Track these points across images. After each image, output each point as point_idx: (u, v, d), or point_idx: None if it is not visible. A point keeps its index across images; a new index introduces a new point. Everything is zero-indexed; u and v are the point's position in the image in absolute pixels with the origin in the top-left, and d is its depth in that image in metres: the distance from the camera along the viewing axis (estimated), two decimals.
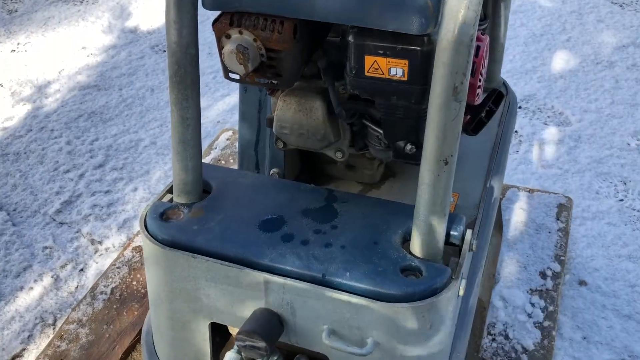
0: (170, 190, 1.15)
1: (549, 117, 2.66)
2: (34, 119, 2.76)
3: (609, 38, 3.14)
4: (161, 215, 1.09)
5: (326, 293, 0.98)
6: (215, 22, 1.03)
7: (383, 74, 0.99)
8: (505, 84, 1.72)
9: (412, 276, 0.98)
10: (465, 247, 1.05)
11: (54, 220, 2.27)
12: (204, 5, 1.00)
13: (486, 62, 1.20)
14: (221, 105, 2.80)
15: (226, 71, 1.05)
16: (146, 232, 1.08)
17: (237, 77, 1.05)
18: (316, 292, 0.98)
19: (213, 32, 1.03)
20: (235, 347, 1.07)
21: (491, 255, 1.80)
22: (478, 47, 1.14)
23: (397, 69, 0.99)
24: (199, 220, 1.09)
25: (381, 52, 0.97)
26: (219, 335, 1.16)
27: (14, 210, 2.32)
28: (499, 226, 1.86)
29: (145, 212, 1.11)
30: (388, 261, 1.00)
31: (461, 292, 1.03)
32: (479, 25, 1.38)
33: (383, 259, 1.00)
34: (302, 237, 1.05)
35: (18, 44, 3.33)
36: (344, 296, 0.97)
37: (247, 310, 1.04)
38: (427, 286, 0.97)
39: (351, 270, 0.99)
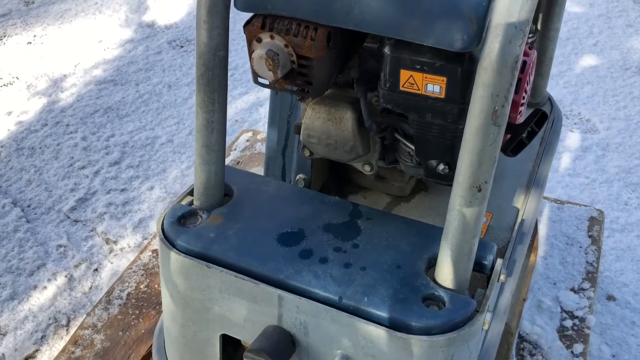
0: (190, 193, 1.12)
1: (575, 124, 2.59)
2: (50, 113, 2.73)
3: (639, 43, 3.06)
4: (179, 220, 1.07)
5: (342, 317, 0.94)
6: (246, 25, 0.98)
7: (419, 90, 0.94)
8: (550, 99, 1.65)
9: (434, 306, 0.94)
10: (494, 277, 1.00)
11: (69, 217, 2.24)
12: (235, 6, 0.96)
13: (532, 78, 1.14)
14: (240, 104, 2.76)
15: (255, 76, 1.00)
16: (162, 236, 1.06)
17: (266, 82, 1.00)
18: (331, 315, 0.95)
19: (242, 33, 0.98)
20: None
21: (522, 277, 1.75)
22: (524, 63, 1.09)
23: (434, 86, 0.93)
24: (216, 227, 1.06)
25: (418, 67, 0.92)
26: (232, 346, 1.12)
27: (28, 206, 2.28)
28: (534, 248, 1.81)
29: (163, 214, 1.08)
30: (410, 288, 0.95)
31: (485, 326, 0.97)
32: (528, 38, 1.33)
33: (405, 285, 0.96)
34: (322, 255, 1.01)
35: (34, 36, 3.30)
36: (361, 322, 0.93)
37: (259, 326, 1.01)
38: (448, 319, 0.92)
39: (370, 295, 0.94)
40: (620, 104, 2.68)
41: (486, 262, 1.01)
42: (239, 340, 1.13)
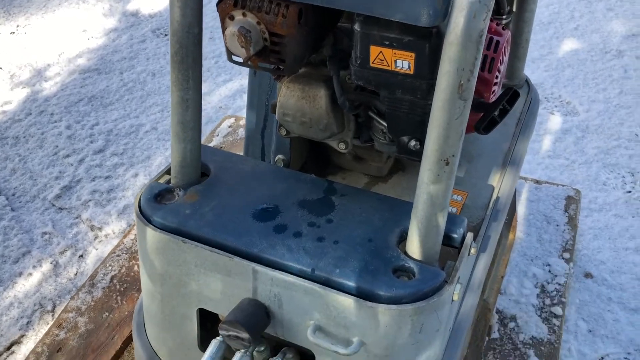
0: (168, 172, 1.14)
1: (556, 106, 2.62)
2: (34, 103, 2.73)
3: (618, 27, 3.10)
4: (156, 197, 1.08)
5: (314, 288, 0.96)
6: (219, 3, 0.99)
7: (388, 66, 0.96)
8: (528, 82, 1.67)
9: (404, 277, 0.95)
10: (464, 250, 1.02)
11: (54, 205, 2.25)
12: None
13: (505, 58, 1.16)
14: (223, 91, 2.77)
15: (229, 54, 1.02)
16: (139, 213, 1.07)
17: (240, 60, 1.02)
18: (304, 286, 0.96)
19: (216, 16, 0.99)
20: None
21: (500, 256, 1.77)
22: (497, 42, 1.10)
23: (403, 62, 0.95)
24: (192, 204, 1.07)
25: (387, 42, 0.93)
26: (210, 322, 1.14)
27: (13, 195, 2.29)
28: (513, 227, 1.83)
29: (140, 192, 1.10)
30: (380, 260, 0.97)
31: (455, 297, 0.99)
32: (502, 19, 1.34)
33: (376, 257, 0.98)
34: (296, 229, 1.03)
35: (17, 26, 3.29)
36: (332, 293, 0.95)
37: (235, 299, 1.03)
38: (417, 289, 0.93)
39: (341, 267, 0.96)
40: (600, 87, 2.71)
41: (456, 236, 1.03)
42: (217, 316, 1.15)
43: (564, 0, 3.33)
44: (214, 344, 1.05)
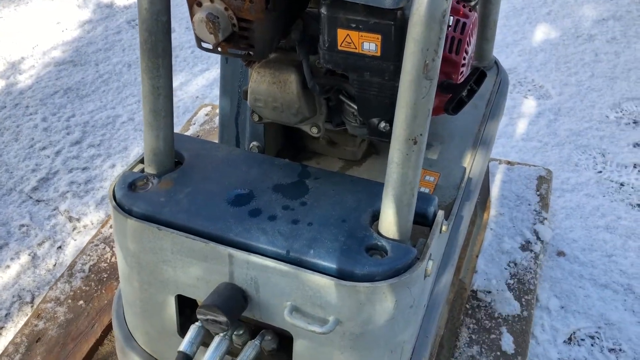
0: (142, 161, 1.14)
1: (529, 90, 2.66)
2: (8, 96, 2.71)
3: (590, 11, 3.14)
4: (130, 186, 1.08)
5: (289, 270, 0.97)
6: None
7: (356, 49, 0.97)
8: (497, 63, 1.69)
9: (377, 256, 0.97)
10: (435, 228, 1.04)
11: (31, 198, 2.24)
12: None
13: (472, 39, 1.18)
14: (200, 80, 2.77)
15: (198, 41, 1.02)
16: (114, 202, 1.07)
17: (209, 46, 1.02)
18: (280, 268, 0.97)
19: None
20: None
21: (475, 235, 1.80)
22: (464, 24, 1.12)
23: (370, 44, 0.96)
24: (167, 192, 1.07)
25: (354, 25, 0.95)
26: (189, 308, 1.16)
27: None
28: (487, 207, 1.86)
29: (114, 182, 1.10)
30: (354, 240, 0.98)
31: (428, 273, 1.02)
32: (469, 1, 1.36)
33: (349, 237, 0.99)
34: (270, 213, 1.04)
35: None
36: (307, 274, 0.96)
37: (212, 284, 1.03)
38: (390, 266, 0.95)
39: (315, 248, 0.97)
40: (572, 70, 2.75)
41: (427, 214, 1.05)
42: (195, 302, 1.17)
43: None
44: (192, 329, 1.05)
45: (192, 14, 1.00)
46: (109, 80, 2.80)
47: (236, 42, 1.01)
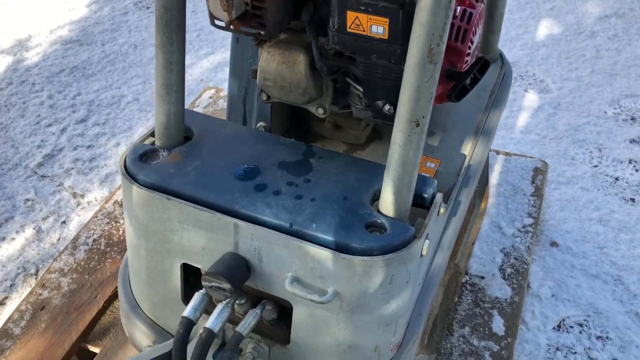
0: (152, 134, 1.18)
1: (530, 84, 2.70)
2: (15, 72, 2.74)
3: (593, 8, 3.17)
4: (141, 157, 1.12)
5: (292, 242, 1.00)
6: None
7: (364, 31, 1.01)
8: (501, 56, 1.71)
9: (376, 232, 1.00)
10: (433, 209, 1.07)
11: (36, 173, 2.28)
12: None
13: (478, 30, 1.21)
14: (205, 64, 2.80)
15: (212, 17, 1.06)
16: (124, 171, 1.11)
17: (222, 24, 1.06)
18: (283, 240, 1.00)
19: None
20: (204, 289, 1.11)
21: (472, 223, 1.84)
22: (470, 14, 1.15)
23: (378, 27, 1.00)
24: (176, 164, 1.11)
25: (363, 8, 0.98)
26: (193, 277, 1.20)
27: None
28: (485, 198, 1.90)
29: (125, 152, 1.13)
30: (354, 216, 1.02)
31: (424, 252, 1.05)
32: None
33: (350, 214, 1.02)
34: (275, 188, 1.07)
35: None
36: (309, 246, 0.99)
37: (217, 253, 1.07)
38: (388, 242, 0.98)
39: (317, 222, 1.01)
40: (573, 66, 2.79)
41: (426, 196, 1.09)
42: (199, 273, 1.21)
43: None
44: (196, 297, 1.09)
45: None
46: (115, 60, 2.83)
47: (248, 21, 1.04)
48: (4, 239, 2.03)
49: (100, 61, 2.82)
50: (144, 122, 2.49)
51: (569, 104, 2.57)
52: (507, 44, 2.92)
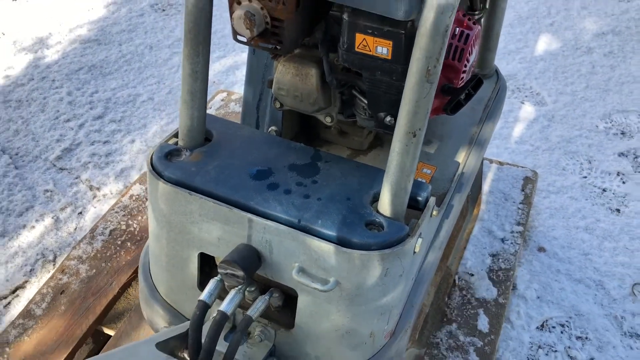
0: (175, 135, 1.30)
1: (526, 96, 2.82)
2: (36, 69, 2.87)
3: (591, 25, 3.29)
4: (166, 155, 1.24)
5: (299, 236, 1.11)
6: None
7: (370, 51, 1.13)
8: (497, 72, 1.82)
9: (374, 230, 1.11)
10: (427, 211, 1.19)
11: (55, 165, 2.40)
12: None
13: (474, 49, 1.31)
14: (217, 67, 2.92)
15: (235, 33, 1.18)
16: (151, 168, 1.22)
17: (244, 39, 1.18)
18: (291, 234, 1.11)
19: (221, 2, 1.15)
20: (219, 275, 1.22)
21: (465, 230, 1.97)
22: (467, 35, 1.26)
23: (382, 48, 1.12)
24: (197, 163, 1.23)
25: (370, 31, 1.10)
26: (208, 266, 1.32)
27: (16, 154, 2.44)
28: (478, 204, 2.02)
29: (152, 151, 1.25)
30: (356, 215, 1.13)
31: (417, 249, 1.17)
32: (475, 14, 1.51)
33: (352, 213, 1.14)
34: (286, 187, 1.19)
35: None
36: (314, 240, 1.10)
37: (232, 244, 1.18)
38: (384, 239, 1.10)
39: (322, 219, 1.12)
40: (568, 80, 2.91)
41: (421, 199, 1.20)
42: (214, 263, 1.33)
43: None
44: (212, 283, 1.21)
45: (231, 11, 1.15)
46: (131, 60, 2.96)
47: (267, 38, 1.17)
48: (24, 226, 2.15)
49: (117, 60, 2.95)
50: (158, 120, 2.61)
51: (562, 117, 2.70)
52: (506, 57, 3.04)
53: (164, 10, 3.34)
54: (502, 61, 3.01)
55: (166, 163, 1.23)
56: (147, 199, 2.02)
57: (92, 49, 3.02)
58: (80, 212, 2.23)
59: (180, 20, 3.18)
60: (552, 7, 3.44)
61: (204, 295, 1.18)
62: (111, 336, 1.67)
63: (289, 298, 1.25)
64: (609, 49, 3.12)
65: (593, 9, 3.43)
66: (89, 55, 2.97)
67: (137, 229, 1.94)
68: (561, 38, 3.19)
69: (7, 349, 1.61)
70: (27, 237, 2.12)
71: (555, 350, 1.81)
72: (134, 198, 2.05)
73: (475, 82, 1.43)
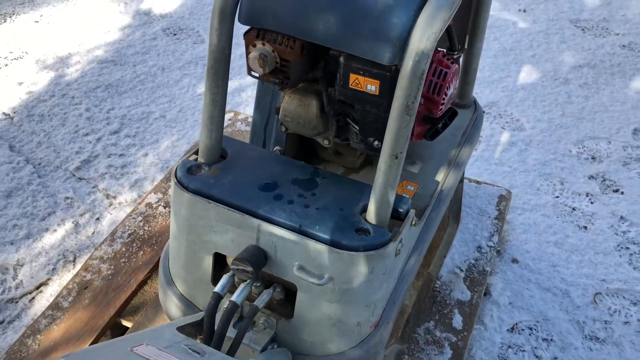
0: (195, 152, 1.49)
1: (507, 122, 3.06)
2: (57, 86, 3.09)
3: (569, 58, 3.54)
4: (188, 170, 1.43)
5: (300, 239, 1.29)
6: (246, 34, 1.38)
7: (362, 88, 1.33)
8: (475, 102, 2.00)
9: (362, 235, 1.29)
10: (407, 221, 1.38)
11: (74, 175, 2.62)
12: (239, 20, 1.33)
13: (452, 84, 1.50)
14: None
15: (249, 70, 1.41)
16: (176, 180, 1.42)
17: (257, 75, 1.41)
18: (293, 237, 1.29)
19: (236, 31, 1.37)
20: (230, 272, 1.39)
21: (446, 241, 2.19)
22: (445, 73, 1.45)
23: (371, 86, 1.32)
24: (215, 177, 1.40)
25: (361, 72, 1.32)
26: (220, 265, 1.50)
27: (39, 164, 2.66)
28: (457, 219, 2.24)
29: (176, 166, 1.44)
30: (347, 223, 1.31)
31: (398, 252, 1.36)
32: (453, 54, 1.72)
33: (344, 220, 1.31)
34: (289, 198, 1.37)
35: (41, 15, 3.63)
36: (312, 242, 1.28)
37: (243, 245, 1.35)
38: (370, 242, 1.28)
39: (319, 225, 1.30)
40: (546, 108, 3.15)
41: (402, 211, 1.39)
42: (225, 263, 1.54)
43: (525, 31, 3.77)
44: (224, 278, 1.38)
45: (247, 52, 1.38)
46: (145, 80, 3.18)
47: (277, 74, 1.39)
48: (47, 230, 2.36)
49: (131, 80, 3.17)
50: (169, 136, 2.84)
51: (539, 142, 2.93)
52: (490, 86, 3.28)
53: (175, 34, 3.58)
54: (486, 89, 3.25)
55: (188, 176, 1.42)
56: (161, 207, 2.24)
57: (108, 69, 3.24)
58: (98, 218, 2.44)
59: (190, 45, 3.42)
60: (534, 40, 3.69)
61: (217, 288, 1.35)
62: (129, 327, 1.87)
63: (290, 293, 1.43)
64: (584, 81, 3.35)
65: (571, 43, 3.68)
66: (106, 74, 3.20)
67: (153, 233, 2.16)
68: (541, 69, 3.43)
69: (39, 336, 1.82)
70: (50, 239, 2.33)
71: (523, 350, 2.03)
72: (149, 206, 2.27)
73: (451, 113, 1.65)
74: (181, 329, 1.36)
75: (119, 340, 1.17)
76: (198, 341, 1.40)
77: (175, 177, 1.44)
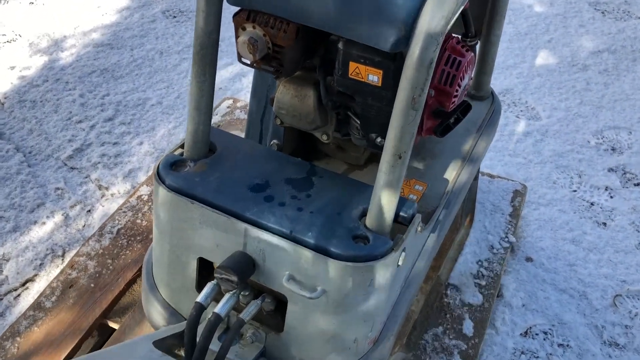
0: (181, 146, 1.38)
1: (521, 111, 2.91)
2: (50, 71, 2.98)
3: (587, 42, 3.38)
4: (171, 165, 1.32)
5: (291, 246, 1.19)
6: (235, 15, 1.25)
7: (362, 78, 1.22)
8: (493, 94, 1.87)
9: (360, 243, 1.18)
10: (412, 227, 1.26)
11: (66, 165, 2.51)
12: (227, 1, 1.21)
13: (466, 75, 1.38)
14: (224, 73, 3.02)
15: (239, 56, 1.28)
16: (157, 177, 1.31)
17: (247, 62, 1.28)
18: (283, 244, 1.19)
19: (231, 10, 1.24)
20: (215, 280, 1.29)
21: (458, 242, 2.05)
22: (460, 62, 1.33)
23: (373, 76, 1.21)
24: (200, 173, 1.30)
25: (362, 60, 1.20)
26: (206, 270, 1.40)
27: (30, 152, 2.55)
28: (470, 219, 2.10)
29: (159, 161, 1.34)
30: (344, 228, 1.20)
31: (400, 262, 1.24)
32: (469, 41, 1.58)
33: (341, 226, 1.21)
34: (281, 200, 1.26)
35: None
36: (304, 250, 1.18)
37: (228, 251, 1.25)
38: (369, 252, 1.17)
39: (313, 231, 1.19)
40: (563, 96, 3.00)
41: (406, 216, 1.27)
42: (212, 268, 1.42)
43: (542, 14, 3.60)
44: (208, 286, 1.28)
45: (237, 36, 1.26)
46: (142, 65, 3.06)
47: (269, 61, 1.27)
48: (35, 222, 2.26)
49: (128, 65, 3.05)
50: (166, 124, 2.72)
51: (556, 132, 2.79)
52: (504, 72, 3.13)
53: (175, 17, 3.45)
54: (500, 76, 3.10)
55: (171, 172, 1.31)
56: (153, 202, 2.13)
57: (104, 52, 3.12)
58: (89, 210, 2.33)
59: (190, 27, 3.29)
60: (550, 24, 3.53)
61: (200, 298, 1.25)
62: (115, 329, 1.77)
63: (280, 303, 1.32)
64: (604, 67, 3.20)
65: (590, 27, 3.51)
66: (102, 59, 3.08)
67: (144, 229, 2.05)
68: (558, 54, 3.28)
69: (18, 339, 1.72)
70: (38, 232, 2.23)
71: (537, 357, 1.90)
72: (141, 199, 2.15)
73: (465, 107, 1.51)
74: (159, 343, 1.26)
75: (87, 357, 1.06)
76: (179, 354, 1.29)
77: (157, 173, 1.32)
